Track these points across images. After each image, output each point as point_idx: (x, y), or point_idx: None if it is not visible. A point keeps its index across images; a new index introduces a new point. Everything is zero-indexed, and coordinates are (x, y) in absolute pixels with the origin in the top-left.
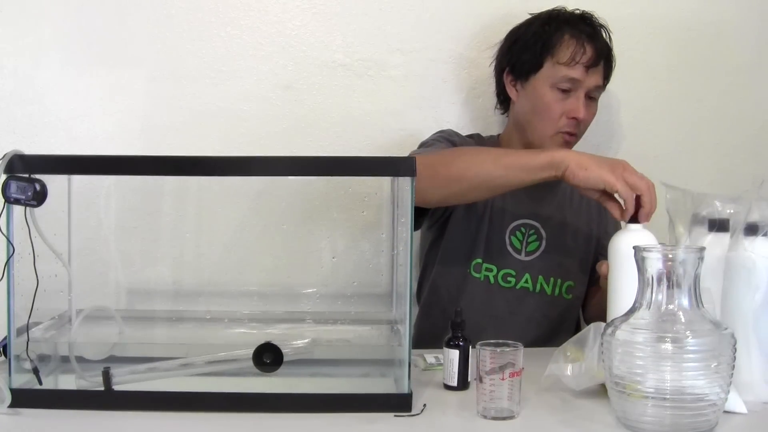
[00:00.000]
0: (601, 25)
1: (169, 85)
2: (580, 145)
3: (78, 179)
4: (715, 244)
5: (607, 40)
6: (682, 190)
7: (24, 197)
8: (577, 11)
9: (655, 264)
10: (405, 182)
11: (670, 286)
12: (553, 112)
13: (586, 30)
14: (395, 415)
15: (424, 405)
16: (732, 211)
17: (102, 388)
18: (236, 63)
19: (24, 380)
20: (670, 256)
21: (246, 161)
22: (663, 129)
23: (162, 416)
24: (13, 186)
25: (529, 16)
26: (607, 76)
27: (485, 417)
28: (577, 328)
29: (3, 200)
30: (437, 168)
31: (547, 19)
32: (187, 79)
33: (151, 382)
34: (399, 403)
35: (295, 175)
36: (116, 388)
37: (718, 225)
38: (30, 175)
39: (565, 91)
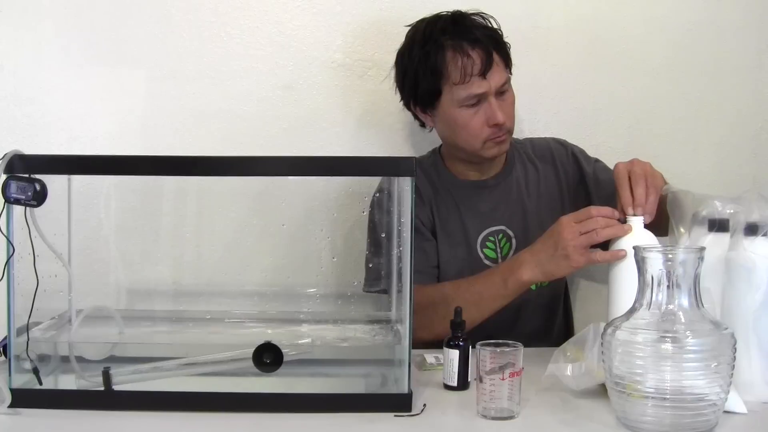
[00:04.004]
0: (477, 15)
1: (169, 85)
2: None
3: (78, 179)
4: (715, 244)
5: (488, 24)
6: (682, 190)
7: (24, 197)
8: (447, 13)
9: (655, 264)
10: (405, 182)
11: (670, 286)
12: (472, 128)
13: (466, 36)
14: (395, 415)
15: (424, 405)
16: (732, 211)
17: (102, 388)
18: (236, 63)
19: (24, 380)
20: (670, 256)
21: (246, 161)
22: (663, 129)
23: (162, 416)
24: (13, 186)
25: (407, 28)
26: (507, 64)
27: (485, 417)
28: (567, 301)
29: (3, 200)
30: (432, 320)
31: (424, 40)
32: (187, 79)
33: (151, 382)
34: (399, 403)
35: (295, 175)
36: (116, 388)
37: (718, 225)
38: (30, 175)
39: (474, 104)
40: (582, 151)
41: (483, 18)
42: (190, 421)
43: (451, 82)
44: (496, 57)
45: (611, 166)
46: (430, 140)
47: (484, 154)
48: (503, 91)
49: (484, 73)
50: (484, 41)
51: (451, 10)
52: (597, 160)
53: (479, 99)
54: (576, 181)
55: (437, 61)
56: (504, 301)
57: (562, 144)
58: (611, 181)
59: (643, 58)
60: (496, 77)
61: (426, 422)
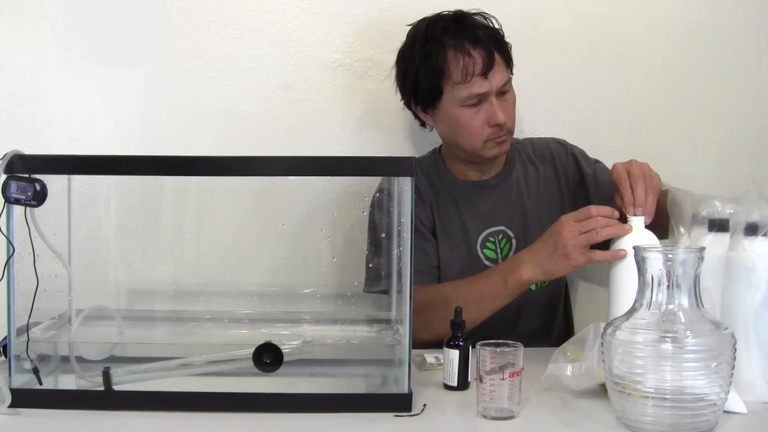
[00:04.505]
0: (478, 15)
1: (169, 85)
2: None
3: (78, 179)
4: (715, 244)
5: (490, 24)
6: (682, 190)
7: (24, 197)
8: (449, 13)
9: (655, 264)
10: (405, 182)
11: (670, 286)
12: (473, 127)
13: (468, 35)
14: (395, 415)
15: (424, 405)
16: (732, 211)
17: (102, 388)
18: (236, 63)
19: (24, 380)
20: (670, 256)
21: (246, 161)
22: (663, 129)
23: (162, 416)
24: (13, 186)
25: (408, 28)
26: (508, 64)
27: (485, 417)
28: (567, 301)
29: (3, 200)
30: (432, 321)
31: (425, 39)
32: (187, 79)
33: (151, 382)
34: (399, 403)
35: (295, 175)
36: (116, 388)
37: (718, 225)
38: (30, 175)
39: (476, 104)
40: (582, 152)
41: (484, 18)
42: (190, 421)
43: (452, 81)
44: (497, 57)
45: (611, 167)
46: (431, 140)
47: (485, 154)
48: (504, 91)
49: (485, 73)
50: (486, 41)
51: (451, 9)
52: (597, 161)
53: (480, 99)
54: (576, 182)
55: (438, 60)
56: (504, 301)
57: (562, 144)
58: (611, 183)
59: (643, 58)
60: (497, 77)
61: (426, 422)
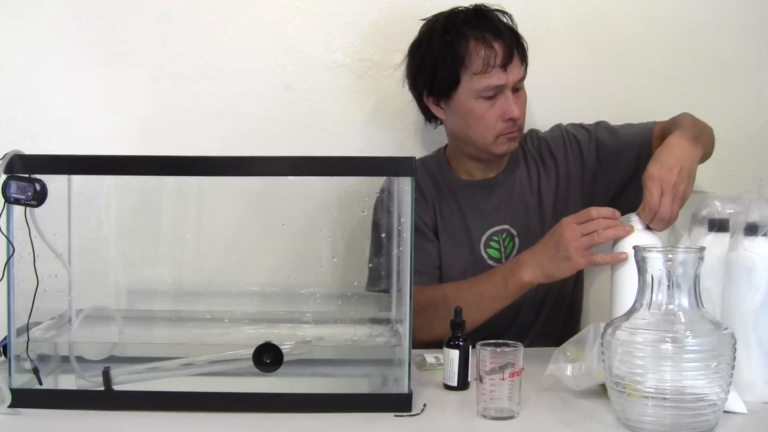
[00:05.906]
0: (498, 11)
1: (169, 85)
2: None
3: (78, 179)
4: (715, 244)
5: (507, 21)
6: None
7: (24, 197)
8: (468, 7)
9: (655, 264)
10: (405, 182)
11: (670, 286)
12: (488, 121)
13: (488, 27)
14: (395, 415)
15: (424, 405)
16: (732, 211)
17: (102, 388)
18: (236, 63)
19: (24, 380)
20: (670, 256)
21: (246, 161)
22: None
23: (162, 416)
24: (13, 186)
25: (422, 23)
26: (524, 61)
27: (485, 417)
28: (573, 297)
29: (3, 200)
30: (433, 321)
31: (444, 29)
32: (187, 79)
33: (151, 382)
34: (399, 403)
35: (295, 175)
36: (116, 388)
37: (718, 225)
38: (30, 175)
39: (491, 97)
40: (580, 131)
41: (504, 15)
42: (190, 421)
43: (471, 71)
44: (515, 52)
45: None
46: (433, 140)
47: (495, 150)
48: (518, 89)
49: (505, 65)
50: (507, 34)
51: (446, 9)
52: (597, 125)
53: (496, 92)
54: (579, 173)
55: (459, 49)
56: (505, 303)
57: (561, 136)
58: (614, 145)
59: (643, 58)
60: (515, 71)
61: (426, 422)
